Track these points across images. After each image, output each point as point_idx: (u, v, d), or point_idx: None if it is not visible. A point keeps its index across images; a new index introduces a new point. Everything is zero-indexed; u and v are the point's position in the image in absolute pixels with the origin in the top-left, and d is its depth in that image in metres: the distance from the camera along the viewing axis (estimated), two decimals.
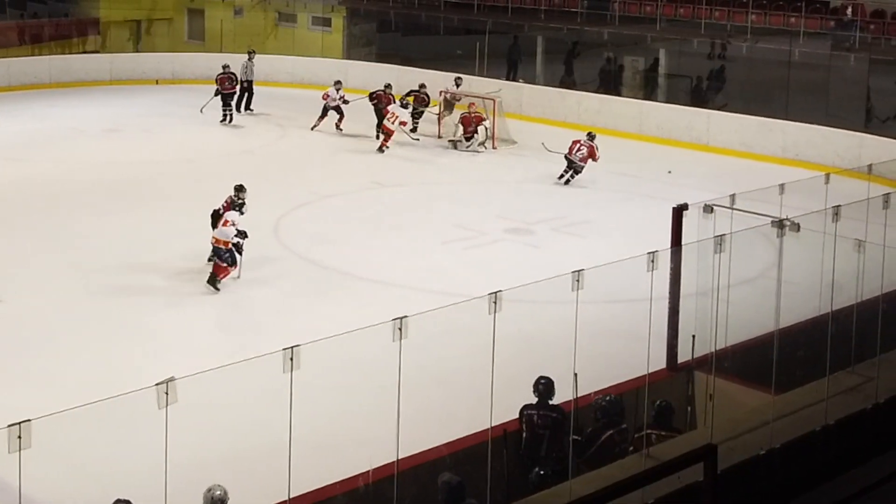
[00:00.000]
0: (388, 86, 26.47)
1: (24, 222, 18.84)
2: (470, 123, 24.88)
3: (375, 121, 25.60)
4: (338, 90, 26.30)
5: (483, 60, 30.87)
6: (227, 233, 15.48)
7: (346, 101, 26.15)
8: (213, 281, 15.32)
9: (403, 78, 31.08)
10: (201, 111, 27.08)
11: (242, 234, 15.66)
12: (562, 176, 22.16)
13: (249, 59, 28.92)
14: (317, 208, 20.21)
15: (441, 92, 26.60)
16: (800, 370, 9.82)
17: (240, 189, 16.47)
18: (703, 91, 28.96)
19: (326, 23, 35.77)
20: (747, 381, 10.32)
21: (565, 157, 22.11)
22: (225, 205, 16.39)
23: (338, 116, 26.17)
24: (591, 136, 22.40)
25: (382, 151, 24.29)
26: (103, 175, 22.41)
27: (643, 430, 9.24)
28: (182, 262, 16.68)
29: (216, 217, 16.32)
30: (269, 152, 25.08)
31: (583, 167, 22.03)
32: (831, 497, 8.11)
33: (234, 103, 27.25)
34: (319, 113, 26.29)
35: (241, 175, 22.47)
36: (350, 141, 25.17)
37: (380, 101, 25.88)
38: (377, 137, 25.08)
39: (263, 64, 32.10)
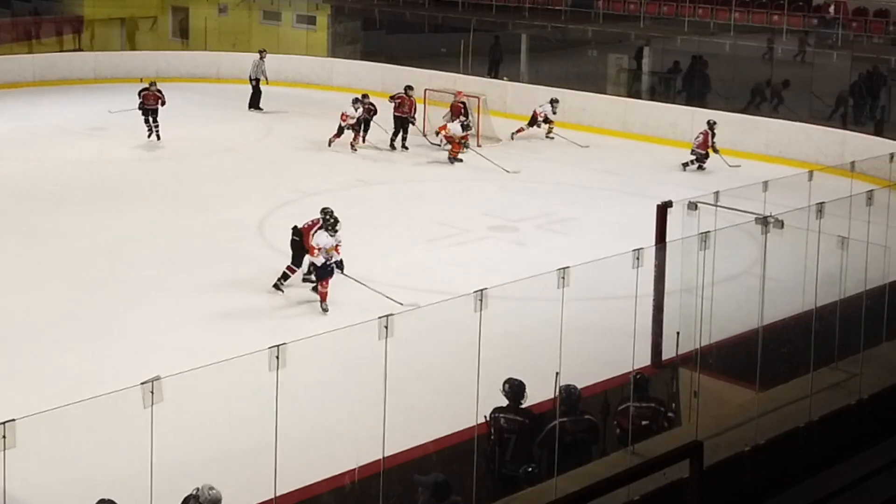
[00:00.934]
0: (409, 87, 24.88)
1: (8, 220, 18.77)
2: (459, 113, 24.82)
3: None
4: (357, 109, 23.97)
5: (467, 58, 30.87)
6: (318, 259, 14.67)
7: (374, 113, 24.40)
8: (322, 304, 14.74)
9: (388, 76, 31.10)
10: (110, 112, 26.38)
11: (339, 265, 14.78)
12: (686, 164, 22.98)
13: (261, 59, 29.00)
14: (301, 206, 20.13)
15: (536, 112, 25.67)
16: (784, 366, 9.85)
17: (327, 213, 15.18)
18: (762, 101, 27.77)
19: (311, 21, 35.72)
20: (732, 377, 10.36)
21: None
22: (309, 223, 15.24)
23: (353, 135, 24.13)
24: (708, 123, 22.91)
25: (452, 162, 23.26)
26: (87, 173, 22.36)
27: (624, 403, 9.30)
28: (166, 261, 16.65)
29: (298, 233, 15.36)
30: (253, 150, 25.04)
31: (701, 153, 22.83)
32: (816, 493, 8.14)
33: (159, 119, 24.74)
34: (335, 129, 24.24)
35: (225, 173, 22.61)
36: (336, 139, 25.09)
37: (402, 104, 24.62)
38: (392, 147, 24.39)
39: (246, 63, 32.06)
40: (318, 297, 14.80)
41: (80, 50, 34.80)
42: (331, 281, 14.74)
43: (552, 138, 25.41)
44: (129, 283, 15.70)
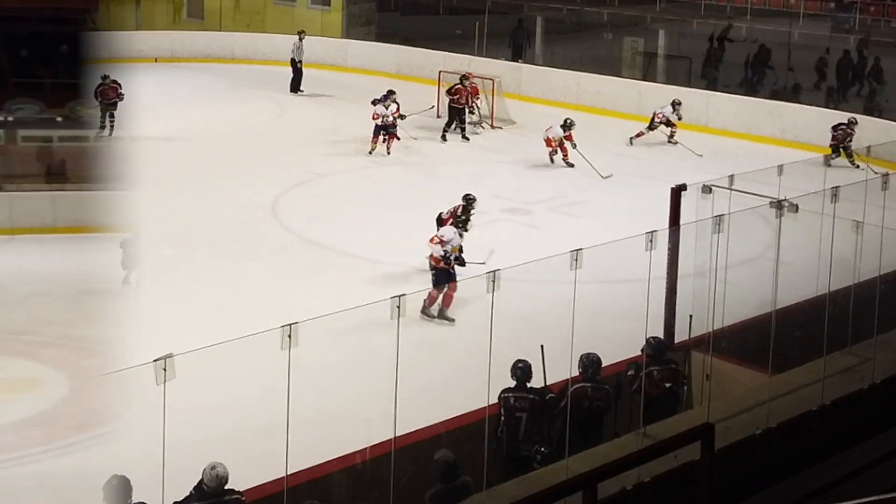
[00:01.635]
0: (464, 77, 24.24)
1: None
2: (476, 94, 24.63)
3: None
4: (387, 106, 21.97)
5: (483, 40, 30.79)
6: (436, 249, 13.91)
7: (401, 117, 22.35)
8: (424, 310, 13.51)
9: (403, 58, 31.05)
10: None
11: (459, 261, 13.80)
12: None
13: (300, 40, 29.01)
14: (314, 187, 20.19)
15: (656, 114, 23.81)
16: (797, 350, 9.85)
17: (469, 200, 14.94)
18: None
19: (325, 2, 35.65)
20: (744, 360, 10.36)
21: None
22: (450, 213, 14.95)
23: (387, 137, 22.01)
24: (848, 121, 22.18)
25: (552, 161, 21.79)
26: None
27: (642, 370, 9.34)
28: (177, 242, 16.66)
29: (440, 222, 14.93)
30: (266, 131, 25.03)
31: (835, 145, 21.98)
32: (827, 477, 8.14)
33: (117, 113, 22.95)
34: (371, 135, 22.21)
35: (239, 153, 22.59)
36: (348, 120, 25.04)
37: (459, 95, 23.82)
38: (443, 138, 23.68)
39: (261, 43, 32.08)
40: None
41: (94, 29, 34.76)
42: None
43: (675, 143, 23.53)
44: (144, 262, 15.71)
